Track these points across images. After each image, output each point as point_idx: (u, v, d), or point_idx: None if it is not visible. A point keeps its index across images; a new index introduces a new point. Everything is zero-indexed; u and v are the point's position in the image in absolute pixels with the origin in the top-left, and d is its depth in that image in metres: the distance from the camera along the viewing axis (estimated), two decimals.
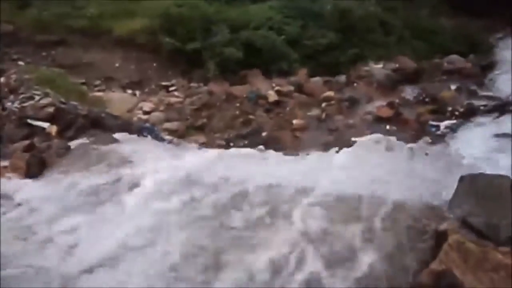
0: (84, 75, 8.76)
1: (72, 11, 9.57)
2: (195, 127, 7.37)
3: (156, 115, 7.59)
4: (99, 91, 8.44)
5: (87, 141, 5.78)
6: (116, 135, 6.01)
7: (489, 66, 10.22)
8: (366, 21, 10.02)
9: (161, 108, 7.82)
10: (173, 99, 8.06)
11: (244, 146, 6.95)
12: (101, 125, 6.28)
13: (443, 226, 3.80)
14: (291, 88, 8.55)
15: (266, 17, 9.57)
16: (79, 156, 5.40)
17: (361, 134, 7.29)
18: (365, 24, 10.03)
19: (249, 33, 8.95)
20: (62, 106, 6.18)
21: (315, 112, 8.01)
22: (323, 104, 8.21)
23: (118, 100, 8.00)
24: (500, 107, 7.92)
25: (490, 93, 8.78)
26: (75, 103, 6.50)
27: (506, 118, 7.58)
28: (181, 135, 7.13)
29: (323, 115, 7.91)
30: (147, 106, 7.83)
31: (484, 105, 8.01)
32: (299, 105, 8.16)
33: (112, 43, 9.28)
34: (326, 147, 6.95)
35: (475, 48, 10.87)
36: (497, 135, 6.89)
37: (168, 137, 6.64)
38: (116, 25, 9.34)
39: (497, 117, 7.67)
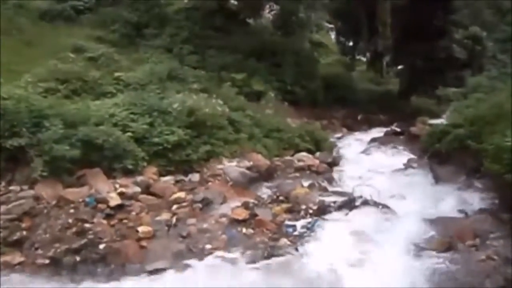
0: None
1: None
2: (8, 243, 5.80)
3: None
4: None
5: None
6: None
7: (334, 163, 10.78)
8: (215, 118, 9.86)
9: None
10: None
11: (75, 263, 5.66)
12: None
13: None
14: (137, 189, 7.56)
15: (109, 113, 8.81)
16: None
17: (216, 240, 6.63)
18: (214, 121, 9.85)
19: (88, 129, 7.95)
20: None
21: (164, 216, 7.09)
22: (174, 207, 7.37)
23: None
24: (348, 204, 8.06)
25: (339, 189, 9.08)
26: None
27: (354, 214, 7.71)
28: None
29: (173, 220, 7.03)
30: None
31: (334, 202, 8.07)
32: (147, 209, 7.19)
33: None
34: (176, 257, 6.10)
35: (319, 146, 11.48)
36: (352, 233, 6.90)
37: None
38: None
39: (347, 214, 7.77)
